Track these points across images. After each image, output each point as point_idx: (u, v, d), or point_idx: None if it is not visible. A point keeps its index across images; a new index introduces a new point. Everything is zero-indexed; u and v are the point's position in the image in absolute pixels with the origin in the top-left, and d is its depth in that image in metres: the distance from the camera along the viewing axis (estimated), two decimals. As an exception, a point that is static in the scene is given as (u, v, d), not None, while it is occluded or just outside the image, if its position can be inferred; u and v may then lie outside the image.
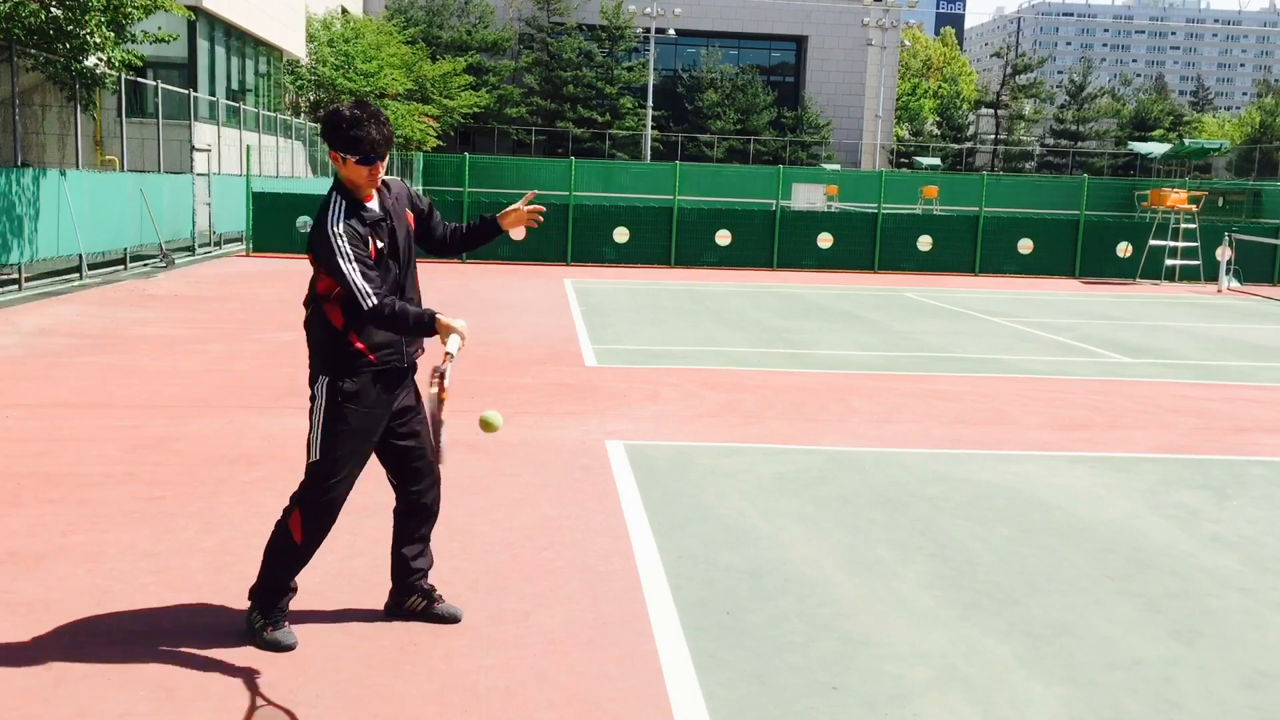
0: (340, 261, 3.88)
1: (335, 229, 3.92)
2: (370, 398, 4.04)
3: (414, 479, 4.26)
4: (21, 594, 4.45)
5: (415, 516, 4.31)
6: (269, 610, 4.08)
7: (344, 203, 4.00)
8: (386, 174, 4.14)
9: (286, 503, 4.14)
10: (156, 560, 4.87)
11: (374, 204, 4.07)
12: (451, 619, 4.33)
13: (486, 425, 4.02)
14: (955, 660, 4.15)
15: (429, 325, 3.91)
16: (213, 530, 5.30)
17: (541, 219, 4.49)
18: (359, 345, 4.02)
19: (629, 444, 7.31)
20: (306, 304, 4.13)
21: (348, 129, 3.91)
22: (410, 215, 4.21)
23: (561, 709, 3.67)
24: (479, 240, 4.44)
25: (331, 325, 4.03)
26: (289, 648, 4.02)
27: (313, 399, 4.07)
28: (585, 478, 6.47)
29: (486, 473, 6.50)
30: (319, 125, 3.87)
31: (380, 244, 4.02)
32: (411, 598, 4.34)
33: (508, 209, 4.47)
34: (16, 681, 3.72)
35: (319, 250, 3.95)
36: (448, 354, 3.90)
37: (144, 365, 9.68)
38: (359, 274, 3.89)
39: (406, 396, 4.21)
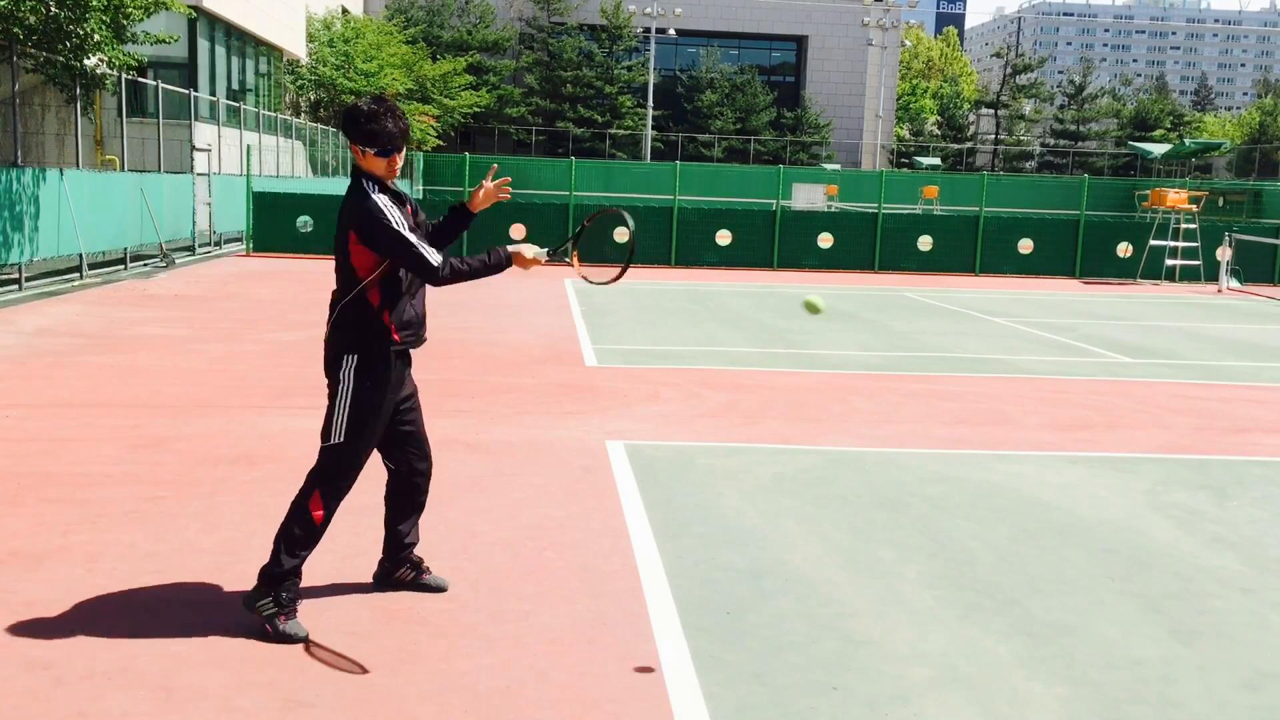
0: (398, 231, 4.07)
1: (380, 201, 4.11)
2: (393, 378, 4.24)
3: (417, 459, 4.49)
4: (21, 594, 4.45)
5: (412, 495, 4.53)
6: (284, 601, 4.11)
7: (376, 184, 4.18)
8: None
9: (301, 489, 4.21)
10: (156, 560, 4.87)
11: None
12: (439, 589, 4.59)
13: (811, 307, 4.69)
14: (955, 660, 4.15)
15: (507, 260, 4.22)
16: (213, 530, 5.30)
17: (509, 192, 4.53)
18: (389, 323, 4.20)
19: (629, 444, 7.31)
20: (338, 295, 4.22)
21: (365, 123, 4.12)
22: None
23: (561, 709, 3.67)
24: (455, 231, 4.49)
25: (369, 304, 4.18)
26: (301, 639, 4.07)
27: (337, 382, 4.19)
28: (585, 478, 6.47)
29: (486, 473, 6.50)
30: (341, 121, 4.39)
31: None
32: (402, 569, 4.58)
33: (474, 190, 4.53)
34: (16, 681, 3.72)
35: (367, 229, 4.08)
36: (546, 260, 4.32)
37: (144, 365, 9.68)
38: (417, 241, 4.10)
39: (411, 382, 4.44)
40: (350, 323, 4.19)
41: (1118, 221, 26.08)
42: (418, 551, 4.66)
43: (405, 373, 4.36)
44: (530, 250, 4.28)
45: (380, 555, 4.65)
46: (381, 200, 4.12)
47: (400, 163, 4.23)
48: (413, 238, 4.10)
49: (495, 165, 4.85)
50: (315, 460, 4.26)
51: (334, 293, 4.28)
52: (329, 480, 4.20)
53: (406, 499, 4.53)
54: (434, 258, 4.09)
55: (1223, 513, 6.25)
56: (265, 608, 4.10)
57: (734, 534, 5.53)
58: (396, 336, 4.23)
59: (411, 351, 4.36)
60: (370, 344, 4.19)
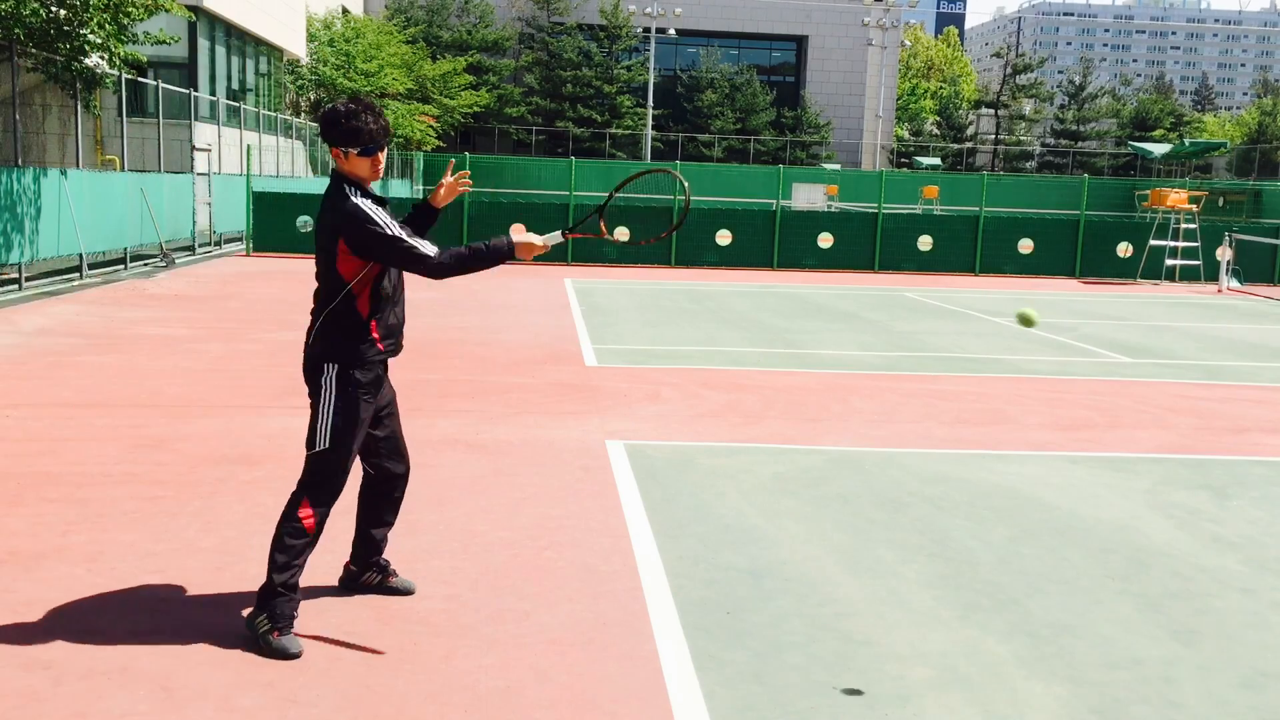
0: (384, 230, 4.01)
1: (364, 205, 4.05)
2: (373, 386, 4.22)
3: (393, 464, 4.48)
4: (21, 594, 4.45)
5: (387, 499, 4.51)
6: (278, 616, 4.03)
7: (357, 188, 4.13)
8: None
9: (289, 499, 4.17)
10: (156, 560, 4.87)
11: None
12: (406, 591, 4.58)
13: (1025, 320, 5.28)
14: (955, 660, 4.15)
15: (509, 250, 4.10)
16: (213, 530, 5.30)
17: (469, 183, 4.48)
18: (375, 334, 4.18)
19: (629, 444, 7.31)
20: (322, 301, 4.16)
21: (346, 121, 4.05)
22: None
23: (561, 709, 3.67)
24: (420, 229, 4.37)
25: (357, 314, 4.14)
26: (295, 655, 3.97)
27: (319, 389, 4.14)
28: (585, 478, 6.47)
29: (486, 473, 6.50)
30: (318, 126, 4.25)
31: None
32: (369, 573, 4.56)
33: (436, 187, 4.49)
34: (16, 681, 3.71)
35: (356, 234, 4.00)
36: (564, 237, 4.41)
37: (144, 365, 9.68)
38: (408, 235, 4.05)
39: (390, 388, 4.44)
40: (335, 331, 4.13)
41: (1118, 221, 26.08)
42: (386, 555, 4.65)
43: (385, 379, 4.33)
44: (537, 239, 4.19)
45: (347, 559, 4.62)
46: (365, 203, 4.05)
47: (383, 163, 4.16)
48: (403, 234, 4.05)
49: (453, 160, 4.79)
50: (302, 468, 4.22)
51: (317, 297, 4.21)
52: (316, 487, 4.13)
53: (382, 502, 4.50)
54: (428, 249, 4.03)
55: (1223, 513, 6.25)
56: (260, 624, 4.03)
57: (734, 534, 5.53)
58: (381, 346, 4.20)
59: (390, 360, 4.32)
60: (353, 353, 4.13)
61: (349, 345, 4.13)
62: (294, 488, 4.19)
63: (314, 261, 4.27)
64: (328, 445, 4.11)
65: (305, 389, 4.23)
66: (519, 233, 4.22)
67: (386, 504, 4.52)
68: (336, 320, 4.13)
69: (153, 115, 20.85)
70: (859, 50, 70.67)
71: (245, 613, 4.18)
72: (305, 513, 4.10)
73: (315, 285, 4.22)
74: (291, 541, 4.08)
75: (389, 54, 42.35)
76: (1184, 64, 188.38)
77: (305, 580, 4.52)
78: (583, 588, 4.74)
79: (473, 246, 4.10)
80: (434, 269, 4.04)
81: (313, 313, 4.23)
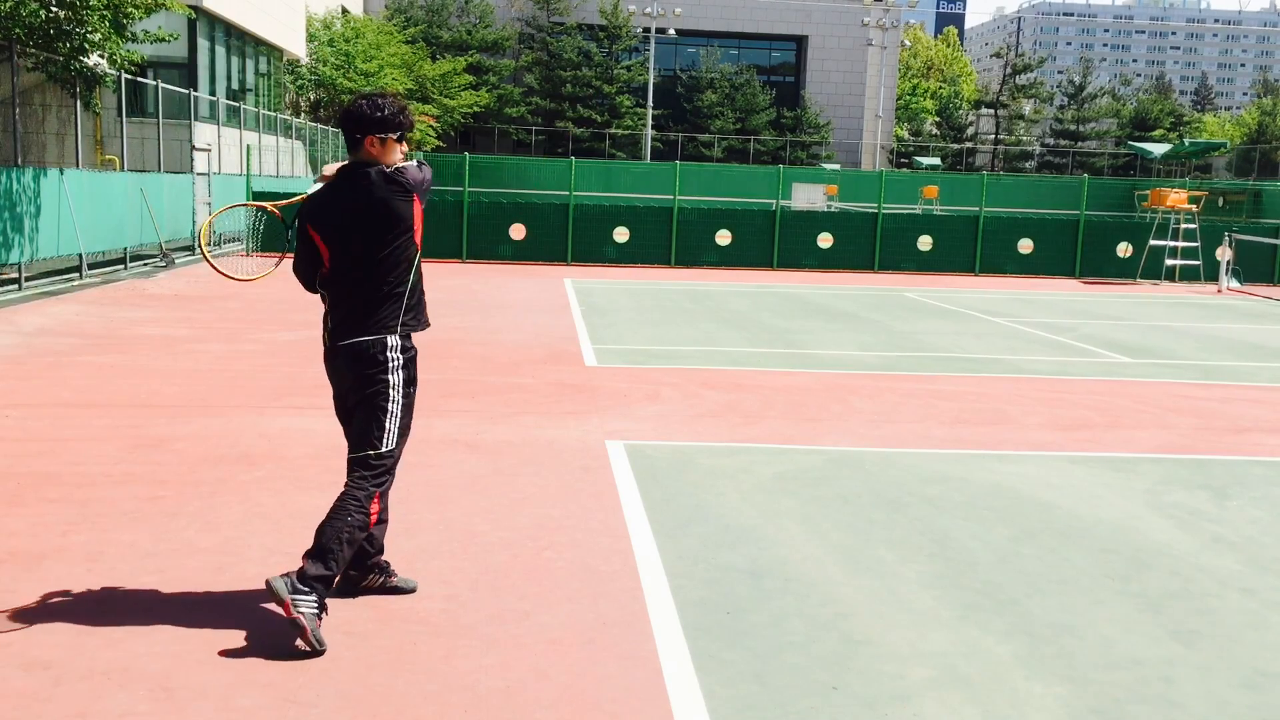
0: (419, 170, 4.34)
1: (406, 167, 4.30)
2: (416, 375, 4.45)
3: None
4: (21, 594, 4.45)
5: (387, 495, 4.55)
6: (323, 605, 4.08)
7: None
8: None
9: (352, 494, 4.21)
10: (156, 560, 4.87)
11: None
12: (409, 590, 4.60)
13: None
14: (955, 660, 4.15)
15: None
16: (213, 530, 5.30)
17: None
18: (423, 299, 4.49)
19: (629, 444, 7.31)
20: (386, 283, 4.28)
21: (390, 108, 4.31)
22: None
23: (561, 709, 3.67)
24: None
25: (420, 273, 4.40)
26: (324, 649, 3.98)
27: (386, 385, 4.26)
28: (585, 478, 6.47)
29: (486, 473, 6.50)
30: (356, 116, 4.35)
31: None
32: (370, 576, 4.56)
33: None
34: (16, 681, 3.71)
35: (425, 191, 4.30)
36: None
37: (144, 365, 9.68)
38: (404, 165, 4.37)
39: None
40: (410, 299, 4.31)
41: (1118, 221, 26.07)
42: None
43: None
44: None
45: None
46: (405, 166, 4.30)
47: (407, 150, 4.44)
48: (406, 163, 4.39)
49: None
50: (362, 464, 4.26)
51: (363, 294, 4.28)
52: (385, 482, 4.31)
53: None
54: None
55: (1223, 513, 6.25)
56: (307, 604, 3.98)
57: (734, 534, 5.53)
58: (428, 319, 4.48)
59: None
60: (422, 313, 4.38)
61: (419, 309, 4.40)
62: (355, 484, 4.23)
63: (346, 261, 4.39)
64: (394, 444, 4.31)
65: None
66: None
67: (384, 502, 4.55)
68: (412, 291, 4.34)
69: (152, 115, 20.84)
70: (859, 50, 70.65)
71: (279, 590, 3.94)
72: (375, 507, 4.27)
73: (343, 286, 4.36)
74: (359, 534, 4.21)
75: (389, 54, 42.38)
76: (1184, 64, 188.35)
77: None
78: (583, 588, 4.74)
79: None
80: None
81: (365, 305, 4.29)
